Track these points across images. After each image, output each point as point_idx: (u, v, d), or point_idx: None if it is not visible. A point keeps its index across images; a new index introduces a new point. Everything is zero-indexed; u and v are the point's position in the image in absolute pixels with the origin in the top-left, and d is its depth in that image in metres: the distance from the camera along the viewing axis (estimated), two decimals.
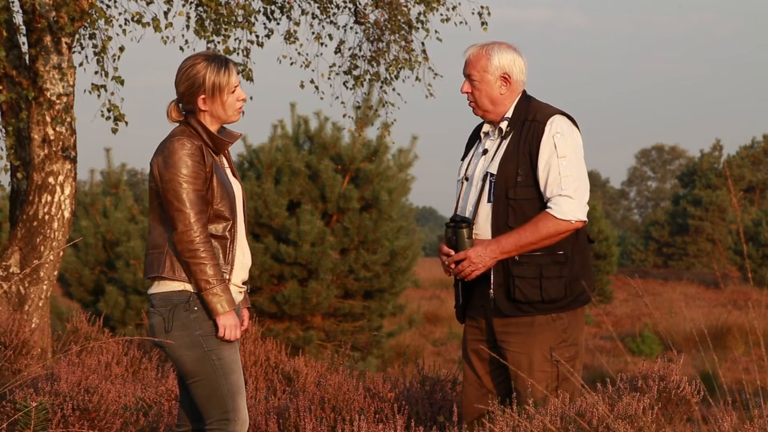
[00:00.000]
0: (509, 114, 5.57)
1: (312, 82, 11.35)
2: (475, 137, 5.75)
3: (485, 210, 5.51)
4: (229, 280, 5.11)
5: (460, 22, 11.26)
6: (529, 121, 5.51)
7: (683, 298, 31.53)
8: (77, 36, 10.47)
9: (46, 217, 10.06)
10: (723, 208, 47.63)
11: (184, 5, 10.64)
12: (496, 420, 5.20)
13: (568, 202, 5.40)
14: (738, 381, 14.88)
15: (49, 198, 10.06)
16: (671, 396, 6.10)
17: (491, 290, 5.47)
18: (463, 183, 5.66)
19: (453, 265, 5.57)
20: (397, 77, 11.42)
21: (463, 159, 5.76)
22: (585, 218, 5.45)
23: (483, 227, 5.51)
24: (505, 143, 5.53)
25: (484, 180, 5.52)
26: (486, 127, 5.66)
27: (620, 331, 25.52)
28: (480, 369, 5.61)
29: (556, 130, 5.47)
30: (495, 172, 5.49)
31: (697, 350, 18.66)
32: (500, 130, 5.58)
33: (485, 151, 5.60)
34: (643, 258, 48.80)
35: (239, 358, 5.11)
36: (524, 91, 5.63)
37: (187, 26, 10.62)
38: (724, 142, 56.64)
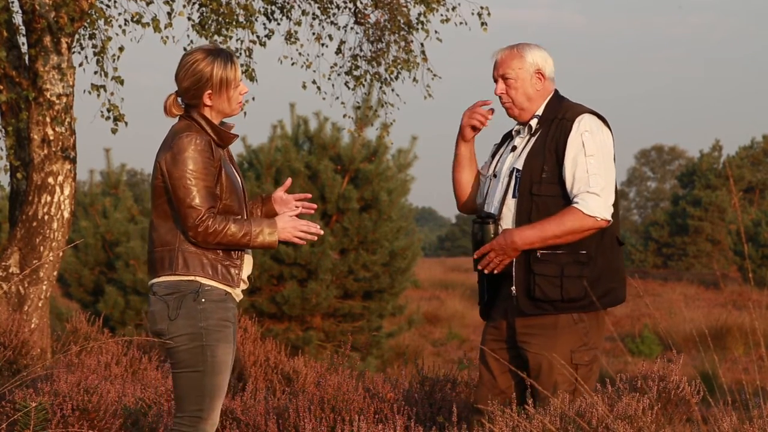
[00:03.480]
0: (539, 112, 5.58)
1: (314, 82, 11.36)
2: (508, 135, 5.77)
3: (510, 205, 5.51)
4: (240, 274, 5.07)
5: (460, 23, 11.27)
6: (558, 119, 5.51)
7: (683, 299, 31.52)
8: (77, 36, 10.47)
9: (46, 217, 10.06)
10: (722, 209, 47.61)
11: (185, 6, 10.65)
12: (495, 420, 5.20)
13: (596, 199, 5.39)
14: (738, 381, 14.88)
15: (49, 198, 10.06)
16: (671, 396, 6.10)
17: (513, 287, 5.46)
18: (490, 180, 5.67)
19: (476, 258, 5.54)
20: (396, 78, 11.42)
21: (492, 155, 5.76)
22: (610, 218, 5.42)
23: (507, 223, 5.51)
24: (533, 140, 5.55)
25: (510, 176, 5.53)
26: (517, 126, 5.68)
27: (620, 331, 25.51)
28: (495, 369, 5.60)
29: (584, 128, 5.46)
30: (521, 168, 5.50)
31: (697, 350, 18.66)
32: (530, 127, 5.58)
33: (514, 148, 5.61)
34: (643, 258, 48.79)
35: (230, 361, 5.07)
36: (556, 91, 5.64)
37: (192, 26, 10.63)
38: (723, 142, 56.65)
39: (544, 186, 5.45)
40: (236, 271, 5.04)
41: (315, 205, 5.27)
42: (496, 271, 5.51)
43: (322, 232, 5.14)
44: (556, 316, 5.44)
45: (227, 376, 5.05)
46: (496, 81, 5.64)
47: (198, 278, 4.98)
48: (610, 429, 5.09)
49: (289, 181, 5.35)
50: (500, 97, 5.64)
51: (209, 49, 5.10)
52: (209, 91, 5.04)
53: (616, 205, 5.55)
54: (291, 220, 5.10)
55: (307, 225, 5.11)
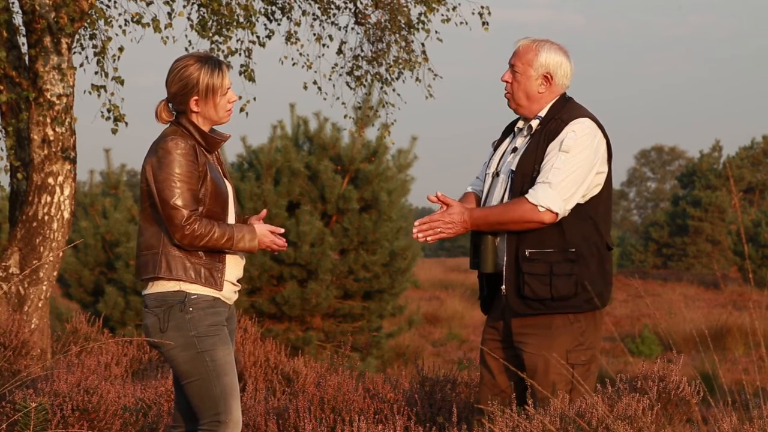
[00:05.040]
0: (543, 113, 5.55)
1: (315, 83, 11.36)
2: (510, 130, 5.75)
3: None
4: (223, 277, 5.12)
5: (461, 23, 11.27)
6: (554, 119, 5.50)
7: (683, 299, 31.50)
8: (77, 36, 10.47)
9: (46, 217, 10.06)
10: (722, 209, 47.61)
11: (185, 6, 10.66)
12: (495, 420, 5.20)
13: (546, 189, 5.36)
14: (738, 382, 14.88)
15: (49, 198, 10.06)
16: (671, 396, 6.11)
17: (503, 286, 5.47)
18: (492, 178, 5.66)
19: (419, 227, 5.51)
20: (398, 78, 11.43)
21: (495, 148, 5.74)
22: (558, 211, 5.36)
23: None
24: (531, 141, 5.53)
25: (508, 177, 5.53)
26: (520, 123, 5.66)
27: (620, 331, 25.51)
28: (494, 369, 5.60)
29: (572, 128, 5.44)
30: (515, 169, 5.50)
31: (697, 351, 18.66)
32: (530, 128, 5.57)
33: (515, 149, 5.60)
34: (643, 259, 48.78)
35: (233, 360, 5.13)
36: (564, 93, 5.61)
37: (191, 26, 10.63)
38: (723, 142, 56.62)
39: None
40: (219, 275, 5.11)
41: (285, 245, 5.35)
42: (429, 240, 5.48)
43: (285, 248, 5.30)
44: (551, 317, 5.44)
45: (234, 376, 5.11)
46: (509, 66, 5.63)
47: (183, 287, 5.05)
48: (610, 429, 5.09)
49: (264, 212, 5.42)
50: (504, 85, 5.63)
51: (199, 55, 5.19)
52: (195, 97, 5.11)
53: (606, 211, 5.53)
54: (267, 232, 5.21)
55: (279, 237, 5.25)
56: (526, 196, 5.37)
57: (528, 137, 5.56)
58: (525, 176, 5.45)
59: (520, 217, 5.37)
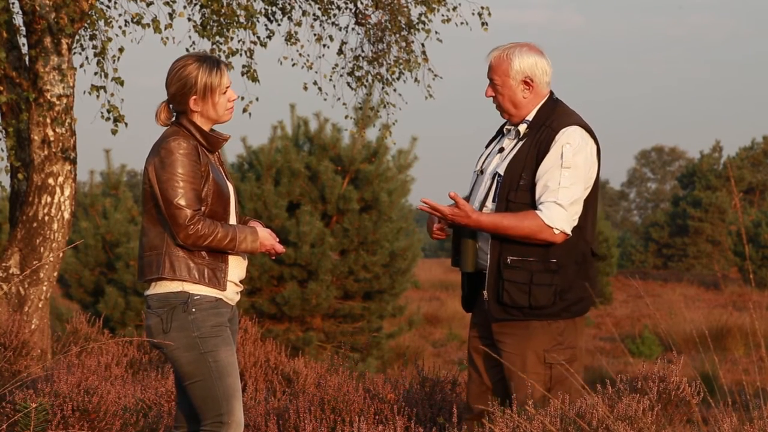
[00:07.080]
0: (530, 117, 5.55)
1: (315, 83, 11.36)
2: (501, 130, 5.76)
3: (489, 209, 5.51)
4: (226, 277, 5.13)
5: (461, 23, 11.28)
6: (545, 126, 5.49)
7: (683, 300, 31.50)
8: (77, 37, 10.47)
9: (46, 218, 10.06)
10: (723, 210, 47.62)
11: (185, 7, 10.66)
12: (495, 420, 5.20)
13: (560, 211, 5.38)
14: (738, 382, 14.89)
15: (49, 199, 10.06)
16: (671, 397, 6.10)
17: (484, 292, 5.48)
18: (477, 176, 5.67)
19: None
20: (398, 78, 11.44)
21: (486, 146, 5.76)
22: (569, 232, 5.41)
23: None
24: (519, 145, 5.53)
25: (492, 179, 5.54)
26: (508, 125, 5.66)
27: (620, 332, 25.52)
28: (480, 366, 5.63)
29: (566, 140, 5.43)
30: (503, 174, 5.49)
31: (697, 351, 18.66)
32: (518, 132, 5.57)
33: (501, 150, 5.60)
34: (643, 259, 48.80)
35: (236, 361, 5.14)
36: (551, 94, 5.60)
37: (193, 27, 10.63)
38: (723, 143, 56.66)
39: (520, 193, 5.45)
40: (222, 275, 5.13)
41: (284, 250, 5.37)
42: (432, 237, 5.55)
43: (284, 252, 5.32)
44: (523, 321, 5.47)
45: (237, 377, 5.13)
46: (488, 80, 5.63)
47: (186, 288, 5.06)
48: (611, 430, 5.10)
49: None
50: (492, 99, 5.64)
51: (198, 55, 5.21)
52: (194, 97, 5.12)
53: (593, 216, 5.54)
54: (268, 236, 5.24)
55: (273, 241, 5.27)
56: (541, 216, 5.37)
57: (515, 140, 5.57)
58: (512, 182, 5.46)
59: (533, 234, 5.39)
